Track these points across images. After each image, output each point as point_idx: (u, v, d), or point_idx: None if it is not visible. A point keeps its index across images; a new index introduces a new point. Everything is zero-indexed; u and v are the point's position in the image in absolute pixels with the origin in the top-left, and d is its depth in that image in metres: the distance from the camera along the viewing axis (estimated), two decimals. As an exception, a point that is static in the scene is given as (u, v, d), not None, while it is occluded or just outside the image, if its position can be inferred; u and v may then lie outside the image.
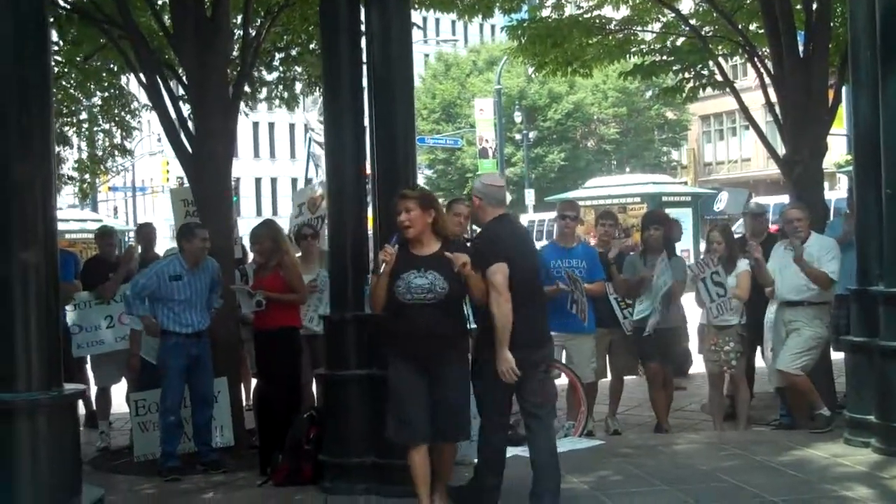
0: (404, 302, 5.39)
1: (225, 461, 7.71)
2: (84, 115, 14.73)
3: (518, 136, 44.19)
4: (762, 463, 6.85)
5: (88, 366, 9.38)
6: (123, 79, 12.65)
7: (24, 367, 4.12)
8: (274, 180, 65.59)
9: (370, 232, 6.88)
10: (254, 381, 8.96)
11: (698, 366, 9.37)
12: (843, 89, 10.57)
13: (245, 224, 11.38)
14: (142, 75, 8.86)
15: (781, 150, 10.04)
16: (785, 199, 11.76)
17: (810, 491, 6.10)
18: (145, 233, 10.07)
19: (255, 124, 59.48)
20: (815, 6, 9.58)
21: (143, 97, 10.51)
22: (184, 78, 8.77)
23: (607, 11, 11.90)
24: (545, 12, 12.68)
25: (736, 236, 8.98)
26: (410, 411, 5.48)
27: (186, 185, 9.09)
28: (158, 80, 8.64)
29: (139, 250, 9.73)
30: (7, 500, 4.09)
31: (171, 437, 7.55)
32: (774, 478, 6.44)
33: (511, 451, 6.01)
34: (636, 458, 7.17)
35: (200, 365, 7.64)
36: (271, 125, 63.58)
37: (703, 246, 20.80)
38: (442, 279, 5.35)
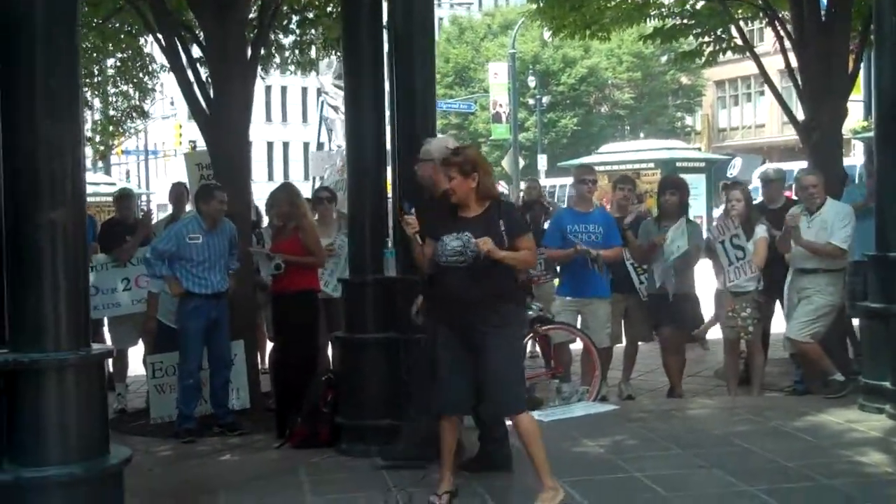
0: (440, 265, 5.32)
1: (241, 423, 7.79)
2: (101, 77, 14.71)
3: (531, 101, 43.99)
4: (776, 428, 6.87)
5: (105, 328, 9.45)
6: (141, 40, 12.61)
7: (52, 326, 4.15)
8: (286, 144, 65.47)
9: (389, 195, 6.89)
10: (269, 345, 9.01)
11: (712, 331, 9.38)
12: (864, 55, 10.50)
13: (257, 188, 11.38)
14: (160, 37, 8.84)
15: (798, 116, 9.99)
16: (801, 164, 11.71)
17: (824, 456, 6.11)
18: (177, 192, 10.09)
19: (268, 88, 59.25)
20: (837, -31, 9.49)
21: (160, 59, 10.49)
22: (202, 40, 8.75)
23: (626, -26, 11.80)
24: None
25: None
26: (445, 380, 5.36)
27: (199, 148, 9.11)
28: (177, 41, 8.64)
29: (168, 209, 9.74)
30: (36, 459, 4.14)
31: (188, 400, 7.62)
32: (788, 443, 6.46)
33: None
34: (650, 423, 7.20)
35: (219, 327, 7.69)
36: (283, 89, 63.35)
37: (716, 212, 20.75)
38: (475, 242, 5.16)
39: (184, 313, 7.64)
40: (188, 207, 9.64)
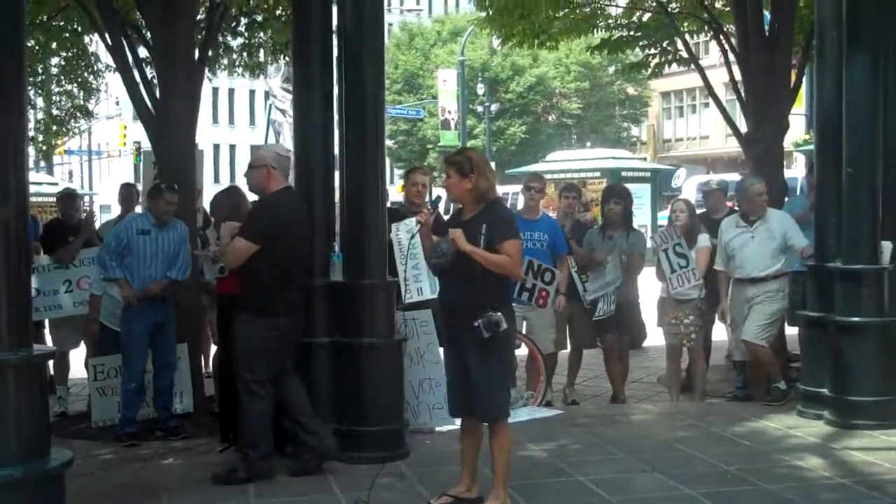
0: (431, 266, 5.40)
1: (184, 427, 7.70)
2: (44, 76, 14.48)
3: (480, 109, 44.14)
4: (717, 434, 6.99)
5: (47, 330, 9.30)
6: (87, 39, 12.43)
7: (-7, 326, 4.09)
8: (232, 147, 64.94)
9: (337, 199, 6.88)
10: (214, 348, 8.93)
11: (654, 338, 9.50)
12: (805, 69, 10.71)
13: (203, 190, 11.28)
14: (106, 36, 8.73)
15: (742, 128, 10.16)
16: (736, 175, 11.88)
17: (764, 461, 6.23)
18: (125, 193, 9.96)
19: (215, 90, 58.75)
20: (781, -15, 9.67)
21: (106, 58, 10.36)
22: (149, 40, 8.66)
23: (575, -16, 11.91)
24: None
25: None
26: (448, 385, 5.45)
27: (144, 149, 9.03)
28: (123, 41, 8.53)
29: (112, 210, 9.64)
30: (-25, 460, 4.08)
31: (131, 403, 7.53)
32: (729, 448, 6.57)
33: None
34: (594, 428, 7.28)
35: (164, 330, 7.63)
36: (231, 91, 62.89)
37: (660, 221, 21.00)
38: (450, 237, 5.17)
39: (129, 316, 7.56)
40: (138, 209, 9.54)
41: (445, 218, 5.73)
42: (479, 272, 5.11)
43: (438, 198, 5.59)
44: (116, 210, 10.39)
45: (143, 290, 7.50)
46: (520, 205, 9.03)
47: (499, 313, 5.07)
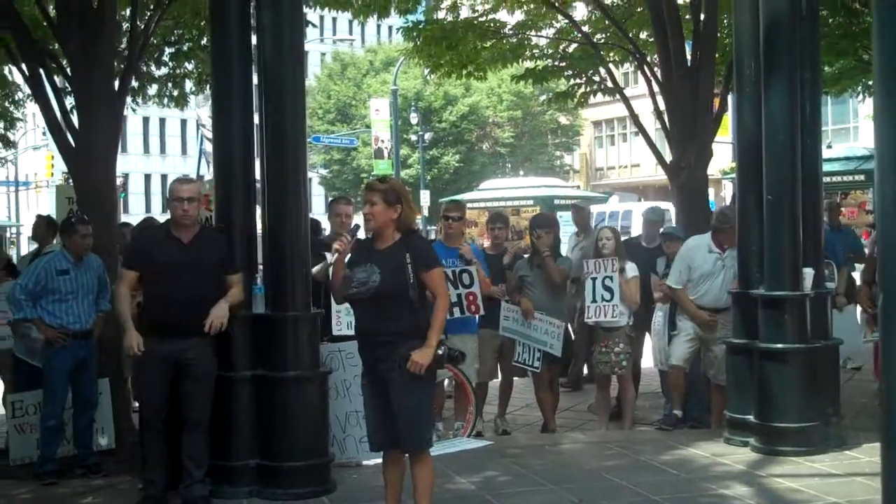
0: (346, 296, 5.30)
1: (105, 465, 7.50)
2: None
3: (414, 138, 44.23)
4: (645, 462, 6.98)
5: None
6: (5, 69, 12.19)
7: None
8: (164, 177, 64.13)
9: (259, 232, 6.77)
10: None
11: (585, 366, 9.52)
12: (729, 98, 10.89)
13: (134, 221, 11.10)
14: (23, 66, 8.56)
15: (669, 156, 10.29)
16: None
17: (691, 489, 6.23)
18: (40, 225, 9.71)
19: (146, 119, 58.14)
20: (702, 17, 9.84)
21: (27, 88, 10.15)
22: (68, 70, 8.50)
23: (502, 15, 12.05)
24: (441, 14, 12.77)
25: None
26: (367, 418, 5.36)
27: (60, 182, 8.84)
28: (41, 71, 8.37)
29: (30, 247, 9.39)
30: None
31: (50, 441, 7.31)
32: (656, 476, 6.57)
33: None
34: (523, 458, 7.23)
35: (86, 367, 7.42)
36: (162, 121, 62.22)
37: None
38: (378, 273, 5.09)
39: (51, 352, 7.32)
40: (54, 241, 9.31)
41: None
42: (401, 303, 5.08)
43: (357, 226, 5.55)
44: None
45: (74, 332, 7.27)
46: (441, 234, 8.91)
47: (453, 350, 5.27)
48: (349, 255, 5.34)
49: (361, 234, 5.73)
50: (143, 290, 6.31)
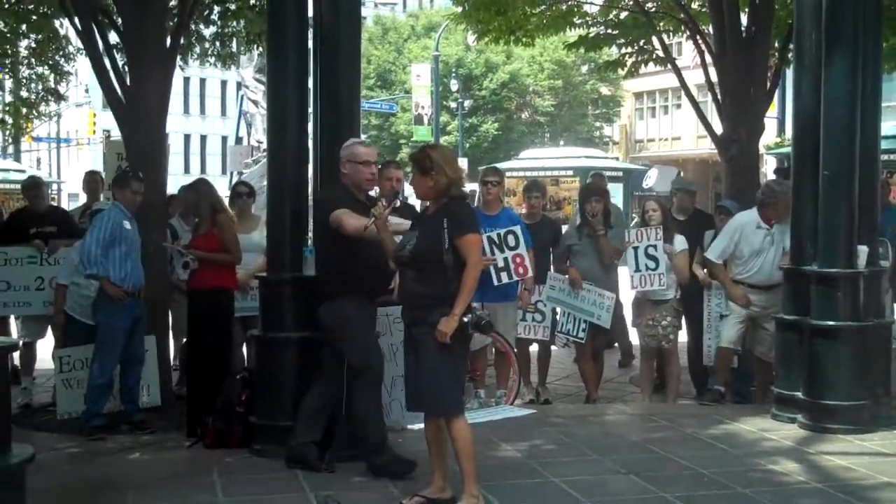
0: (394, 260, 5.37)
1: (152, 421, 7.57)
2: (13, 59, 14.20)
3: (453, 105, 44.04)
4: (691, 436, 6.93)
5: (12, 318, 9.13)
6: (57, 23, 12.19)
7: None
8: (203, 138, 64.44)
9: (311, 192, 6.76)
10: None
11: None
12: (780, 72, 10.72)
13: (173, 181, 11.12)
14: (76, 20, 8.57)
15: (717, 129, 10.15)
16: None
17: (738, 464, 6.18)
18: (91, 181, 9.77)
19: (186, 79, 58.15)
20: (759, -13, 9.67)
21: (77, 42, 10.16)
22: (120, 26, 8.50)
23: (553, -19, 11.88)
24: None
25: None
26: (408, 379, 5.40)
27: (114, 138, 8.87)
28: (93, 26, 8.37)
29: (79, 199, 9.45)
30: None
31: (99, 397, 7.37)
32: (703, 450, 6.52)
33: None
34: (567, 428, 7.21)
35: (139, 325, 7.48)
36: (202, 81, 62.29)
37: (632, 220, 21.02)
38: (415, 237, 5.22)
39: (109, 310, 7.31)
40: (102, 197, 9.36)
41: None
42: (436, 268, 5.10)
43: (397, 193, 5.58)
44: (83, 198, 10.20)
45: (124, 284, 7.28)
46: (479, 200, 8.82)
47: (486, 312, 5.22)
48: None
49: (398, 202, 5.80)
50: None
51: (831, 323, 6.97)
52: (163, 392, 8.10)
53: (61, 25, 12.33)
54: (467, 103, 43.67)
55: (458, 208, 5.28)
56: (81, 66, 15.27)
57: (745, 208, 8.31)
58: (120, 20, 8.54)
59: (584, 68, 42.65)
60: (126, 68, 8.58)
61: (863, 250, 7.12)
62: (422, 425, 6.17)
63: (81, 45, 9.07)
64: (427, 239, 5.16)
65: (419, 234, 5.22)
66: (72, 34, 10.17)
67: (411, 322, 5.26)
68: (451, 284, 5.12)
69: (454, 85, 43.34)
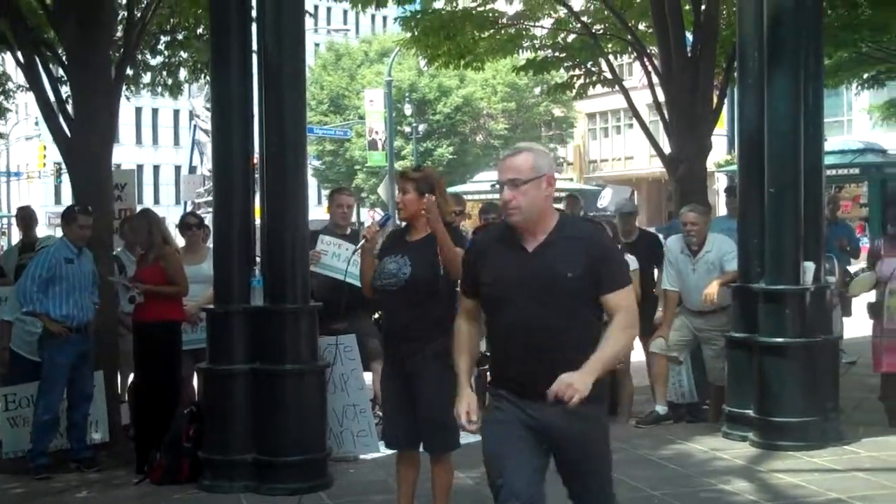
0: (376, 288, 5.05)
1: (99, 458, 7.44)
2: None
3: (408, 129, 44.11)
4: (643, 456, 6.92)
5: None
6: (-1, 57, 12.06)
7: None
8: (156, 168, 64.01)
9: (258, 222, 6.70)
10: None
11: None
12: (726, 90, 10.85)
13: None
14: (19, 54, 8.47)
15: (665, 149, 10.23)
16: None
17: (689, 484, 6.18)
18: (25, 215, 9.63)
19: (139, 109, 57.85)
20: (703, 7, 9.78)
21: (19, 78, 10.04)
22: (63, 58, 8.42)
23: (500, 5, 11.98)
24: (438, 4, 12.68)
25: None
26: (388, 415, 5.18)
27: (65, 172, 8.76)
28: (36, 59, 8.28)
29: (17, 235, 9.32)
30: None
31: (44, 435, 7.25)
32: (655, 471, 6.51)
33: None
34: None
35: (85, 361, 7.35)
36: (155, 111, 61.96)
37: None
38: (408, 264, 4.89)
39: (53, 345, 7.20)
40: (40, 234, 9.24)
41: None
42: (435, 294, 4.88)
43: (388, 215, 5.46)
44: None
45: (77, 326, 7.17)
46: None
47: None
48: (378, 246, 5.18)
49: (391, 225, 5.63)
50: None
51: (779, 340, 7.02)
52: (113, 428, 7.97)
53: (2, 62, 12.19)
54: (421, 127, 43.80)
55: (456, 236, 5.08)
56: (30, 99, 15.06)
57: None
58: (63, 53, 8.44)
59: (537, 90, 42.90)
60: (70, 100, 8.49)
61: (809, 267, 7.16)
62: (374, 455, 6.11)
63: (24, 80, 8.95)
64: (422, 266, 4.89)
65: (411, 261, 4.92)
66: (12, 69, 10.05)
67: (404, 354, 4.94)
68: (446, 312, 4.77)
69: (408, 109, 43.46)
